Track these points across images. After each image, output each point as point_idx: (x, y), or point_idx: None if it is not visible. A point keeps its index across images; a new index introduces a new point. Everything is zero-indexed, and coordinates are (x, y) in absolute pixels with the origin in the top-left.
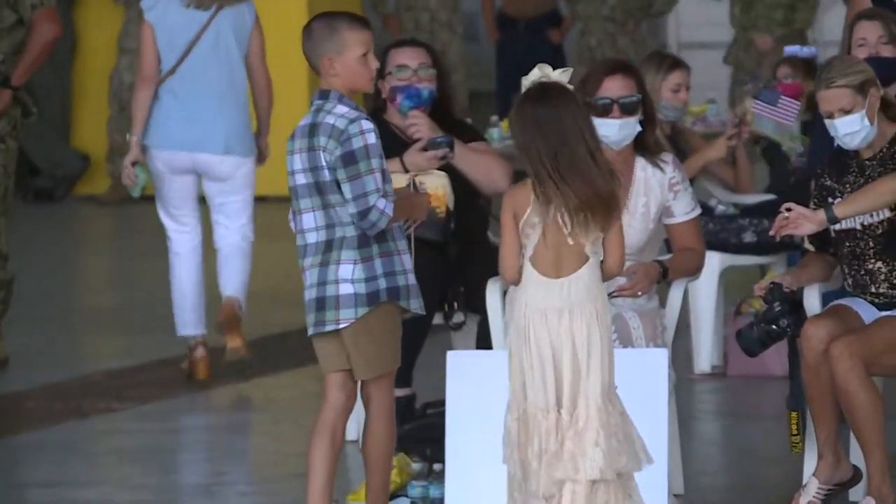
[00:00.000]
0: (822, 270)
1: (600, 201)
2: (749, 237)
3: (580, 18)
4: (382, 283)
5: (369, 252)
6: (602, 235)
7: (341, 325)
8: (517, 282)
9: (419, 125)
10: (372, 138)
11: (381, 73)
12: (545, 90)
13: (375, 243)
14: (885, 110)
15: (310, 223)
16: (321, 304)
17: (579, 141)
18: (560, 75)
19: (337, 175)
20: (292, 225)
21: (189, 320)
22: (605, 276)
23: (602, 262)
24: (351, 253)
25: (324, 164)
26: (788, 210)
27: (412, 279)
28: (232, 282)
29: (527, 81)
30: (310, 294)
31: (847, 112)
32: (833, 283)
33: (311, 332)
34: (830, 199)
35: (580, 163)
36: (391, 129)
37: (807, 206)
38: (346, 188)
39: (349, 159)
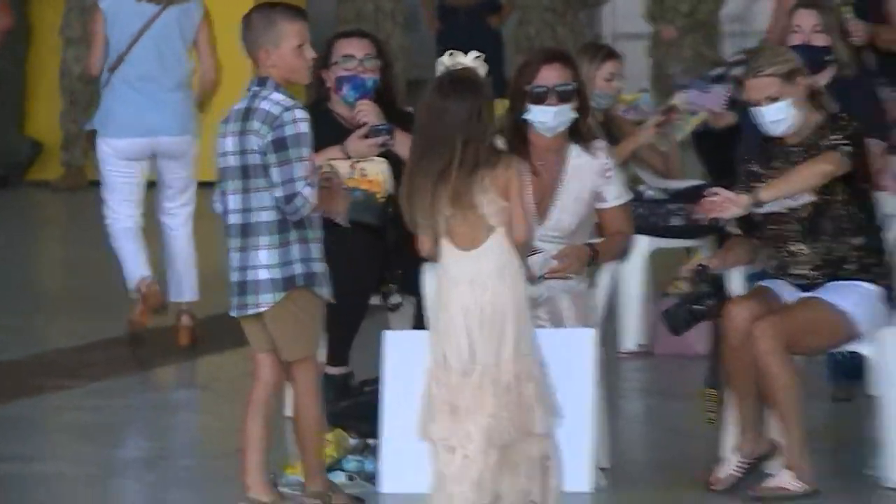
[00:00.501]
0: (747, 253)
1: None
2: (677, 221)
3: (519, 7)
4: (299, 269)
5: (287, 237)
6: (503, 207)
7: (261, 309)
8: (432, 256)
9: (366, 112)
10: (304, 127)
11: (327, 63)
12: (455, 81)
13: (294, 229)
14: (812, 98)
15: (232, 205)
16: (242, 288)
17: (466, 131)
18: (473, 61)
19: (267, 159)
20: (217, 206)
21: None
22: (517, 247)
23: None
24: (268, 238)
25: (255, 147)
26: (715, 194)
27: (324, 267)
28: (183, 282)
29: (440, 66)
30: (233, 277)
31: (774, 100)
32: (757, 265)
33: (234, 314)
34: (756, 185)
35: (447, 150)
36: (335, 117)
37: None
38: (274, 172)
39: (280, 145)
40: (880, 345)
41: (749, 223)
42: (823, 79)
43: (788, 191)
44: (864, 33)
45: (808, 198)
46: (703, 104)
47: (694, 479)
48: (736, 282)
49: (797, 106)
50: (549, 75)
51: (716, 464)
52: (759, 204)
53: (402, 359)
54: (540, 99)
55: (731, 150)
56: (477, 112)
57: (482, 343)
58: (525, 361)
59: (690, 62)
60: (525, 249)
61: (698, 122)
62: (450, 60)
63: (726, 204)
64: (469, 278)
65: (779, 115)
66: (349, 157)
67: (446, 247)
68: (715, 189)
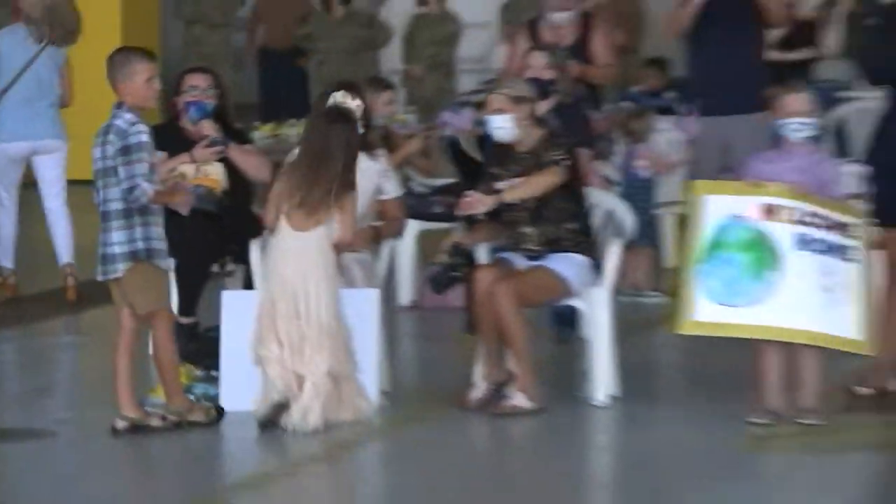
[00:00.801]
0: (490, 233)
1: (320, 195)
2: (438, 209)
3: (319, 52)
4: (141, 245)
5: (132, 222)
6: (332, 213)
7: (117, 275)
8: (272, 228)
9: (209, 129)
10: (145, 138)
11: (178, 91)
12: (337, 112)
13: (137, 216)
14: (537, 119)
15: (99, 197)
16: (103, 259)
17: (339, 153)
18: (352, 102)
19: (117, 162)
20: (95, 198)
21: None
22: (337, 244)
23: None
24: (118, 222)
25: (110, 154)
26: (469, 196)
27: (163, 245)
28: (63, 247)
29: (331, 100)
30: (98, 251)
31: (500, 112)
32: (498, 241)
33: (99, 278)
34: (495, 182)
35: (328, 168)
36: (184, 132)
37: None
38: (121, 171)
39: (126, 151)
40: (588, 300)
41: (492, 211)
42: (548, 104)
43: (524, 194)
44: (577, 70)
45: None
46: (456, 124)
47: (453, 400)
48: (482, 254)
49: (519, 123)
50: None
51: (468, 389)
52: (502, 202)
53: (236, 311)
54: None
55: (476, 157)
56: (353, 138)
57: (306, 301)
58: (339, 316)
59: (433, 94)
60: (343, 248)
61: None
62: (340, 97)
63: (476, 203)
64: (295, 252)
65: (502, 125)
66: (195, 162)
67: (284, 226)
68: (468, 192)
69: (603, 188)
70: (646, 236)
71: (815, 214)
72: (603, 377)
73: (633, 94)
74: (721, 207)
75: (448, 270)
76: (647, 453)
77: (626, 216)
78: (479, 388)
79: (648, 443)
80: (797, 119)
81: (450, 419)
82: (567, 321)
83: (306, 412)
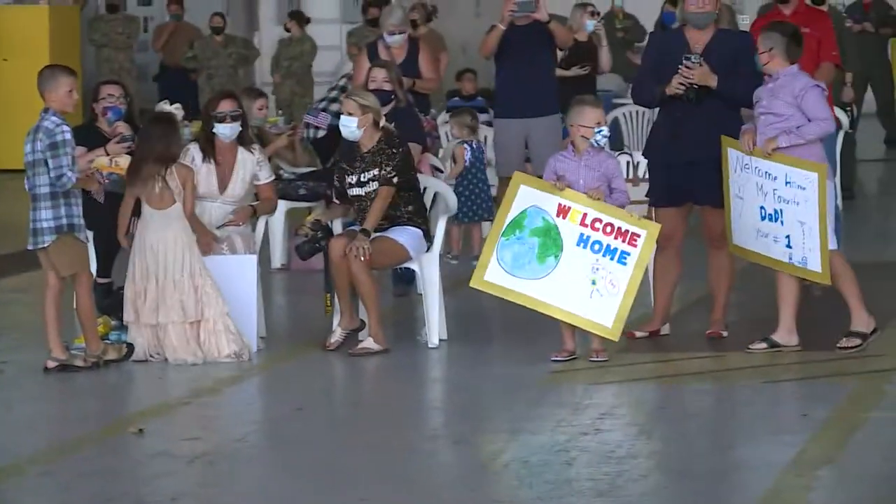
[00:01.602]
0: (343, 211)
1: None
2: (302, 191)
3: (208, 68)
4: (65, 221)
5: (58, 203)
6: (181, 191)
7: (44, 245)
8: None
9: (123, 128)
10: (68, 136)
11: (96, 99)
12: (160, 116)
13: (62, 198)
14: (375, 126)
15: (30, 183)
16: (34, 232)
17: (157, 144)
18: (174, 109)
19: (46, 155)
20: (26, 184)
21: None
22: (187, 215)
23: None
24: (47, 203)
25: (39, 148)
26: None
27: (82, 221)
28: None
29: (160, 107)
30: (29, 226)
31: (351, 115)
32: (350, 217)
33: (30, 248)
34: (346, 178)
35: (154, 154)
36: (101, 132)
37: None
38: (50, 163)
39: (53, 146)
40: (421, 263)
41: (344, 196)
42: (387, 109)
43: (376, 221)
44: (410, 83)
45: (374, 185)
46: (316, 122)
47: (317, 343)
48: (337, 226)
49: (362, 126)
50: (225, 105)
51: (329, 334)
52: (366, 232)
53: None
54: (221, 120)
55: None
56: (172, 132)
57: (165, 264)
58: (196, 273)
59: (287, 97)
60: (193, 219)
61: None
62: (164, 106)
63: (356, 247)
64: (156, 227)
65: (349, 125)
66: (108, 155)
67: (146, 207)
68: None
69: (432, 175)
70: (485, 211)
71: (601, 221)
72: (435, 324)
73: (454, 101)
74: (529, 197)
75: (311, 241)
76: (469, 384)
77: (450, 196)
78: (338, 333)
79: (471, 376)
80: (601, 128)
81: (314, 358)
82: (406, 280)
83: (175, 350)
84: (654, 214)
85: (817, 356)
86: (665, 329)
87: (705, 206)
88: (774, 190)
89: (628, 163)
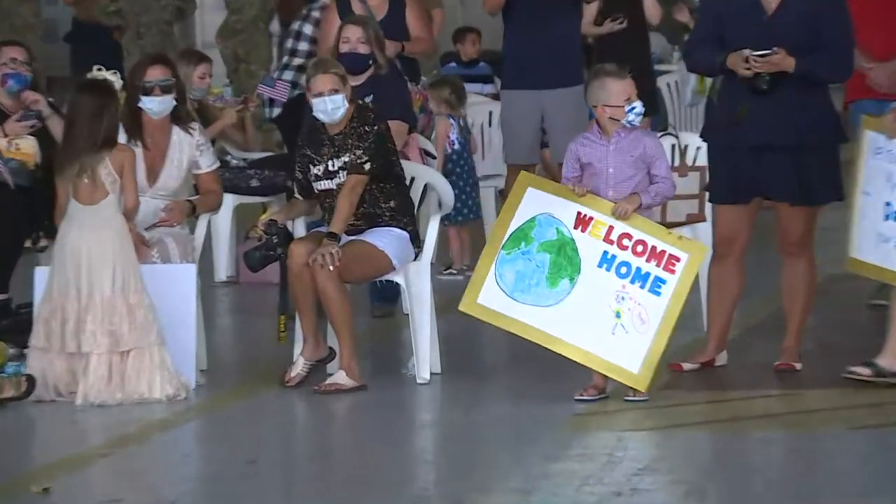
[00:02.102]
0: (307, 208)
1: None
2: (255, 183)
3: (139, 24)
4: None
5: None
6: (117, 180)
7: None
8: (63, 208)
9: (32, 99)
10: None
11: None
12: (93, 85)
13: None
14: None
15: None
16: None
17: (96, 121)
18: (110, 75)
19: None
20: None
21: None
22: (126, 211)
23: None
24: None
25: None
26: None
27: None
28: None
29: (94, 74)
30: None
31: (336, 92)
32: (315, 216)
33: None
34: (311, 166)
35: (83, 135)
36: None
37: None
38: None
39: None
40: (406, 275)
41: (308, 190)
42: (365, 77)
43: (346, 221)
44: (394, 47)
45: (342, 177)
46: (272, 94)
47: (272, 377)
48: (300, 227)
49: (347, 98)
50: (154, 73)
51: (289, 366)
52: (334, 236)
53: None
54: (149, 91)
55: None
56: (108, 106)
57: (89, 275)
58: (131, 289)
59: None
60: (132, 213)
61: None
62: (96, 72)
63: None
64: (84, 227)
65: (337, 104)
66: (6, 136)
67: (73, 202)
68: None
69: (422, 162)
70: (470, 211)
71: (631, 237)
72: (425, 354)
73: (450, 67)
74: (539, 202)
75: (265, 246)
76: (468, 430)
77: (446, 190)
78: (299, 365)
79: (471, 420)
80: (633, 104)
81: (269, 398)
82: (388, 296)
83: (93, 388)
84: (713, 213)
85: None
86: (721, 359)
87: (781, 204)
88: None
89: (674, 146)
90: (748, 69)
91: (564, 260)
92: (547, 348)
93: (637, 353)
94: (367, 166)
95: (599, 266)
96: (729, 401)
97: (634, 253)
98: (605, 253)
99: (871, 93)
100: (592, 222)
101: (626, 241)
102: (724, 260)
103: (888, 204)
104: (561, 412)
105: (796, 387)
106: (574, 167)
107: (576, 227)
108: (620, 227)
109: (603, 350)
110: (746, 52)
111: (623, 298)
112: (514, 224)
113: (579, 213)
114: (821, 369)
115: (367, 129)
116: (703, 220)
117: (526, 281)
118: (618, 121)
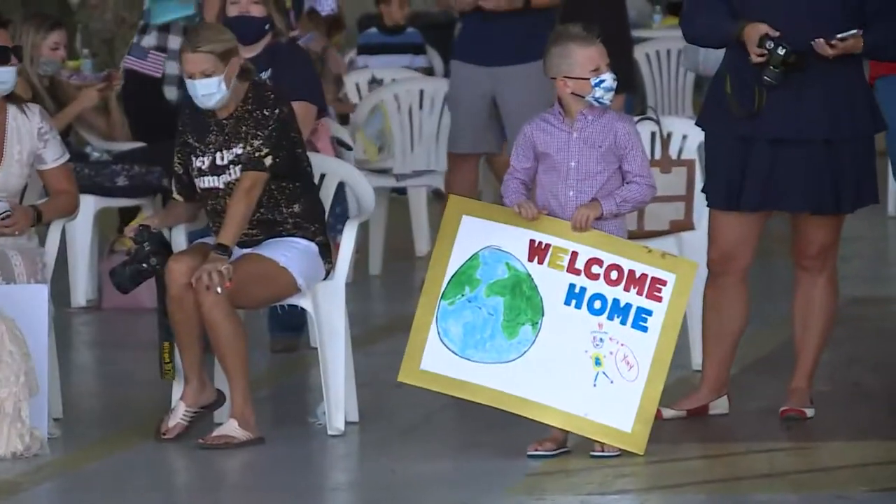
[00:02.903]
0: (187, 213)
1: None
2: (122, 181)
3: None
4: None
5: None
6: None
7: None
8: None
9: None
10: None
11: None
12: None
13: None
14: (241, 74)
15: None
16: None
17: None
18: None
19: None
20: None
21: None
22: None
23: None
24: None
25: None
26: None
27: None
28: None
29: None
30: None
31: (208, 76)
32: (198, 223)
33: None
34: (193, 158)
35: None
36: None
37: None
38: None
39: None
40: (317, 299)
41: (190, 189)
42: (260, 46)
43: (239, 230)
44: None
45: (235, 174)
46: (142, 69)
47: (145, 428)
48: (179, 238)
49: (228, 82)
50: None
51: (167, 413)
52: (224, 249)
53: None
54: None
55: (161, 116)
56: None
57: None
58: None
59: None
60: None
61: None
62: None
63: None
64: None
65: (210, 90)
66: None
67: None
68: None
69: (334, 154)
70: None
71: (600, 262)
72: (339, 399)
73: (370, 35)
74: (479, 234)
75: (135, 263)
76: (393, 494)
77: (364, 189)
78: (179, 411)
79: (396, 481)
80: (601, 77)
81: (141, 453)
82: (292, 325)
83: None
84: (709, 221)
85: None
86: (718, 406)
87: (801, 212)
88: None
89: (654, 134)
90: (762, 55)
91: (522, 301)
92: (517, 415)
93: (628, 407)
94: (268, 161)
95: (567, 303)
96: (724, 456)
97: (608, 282)
98: (572, 286)
99: None
100: (550, 250)
101: (595, 269)
102: (722, 281)
103: None
104: (511, 470)
105: (808, 438)
106: (527, 155)
107: (530, 259)
108: (587, 252)
109: (584, 408)
110: (819, 40)
111: (602, 340)
112: (453, 265)
113: (532, 241)
114: (838, 416)
115: (265, 113)
116: (692, 228)
117: (477, 334)
118: (582, 97)
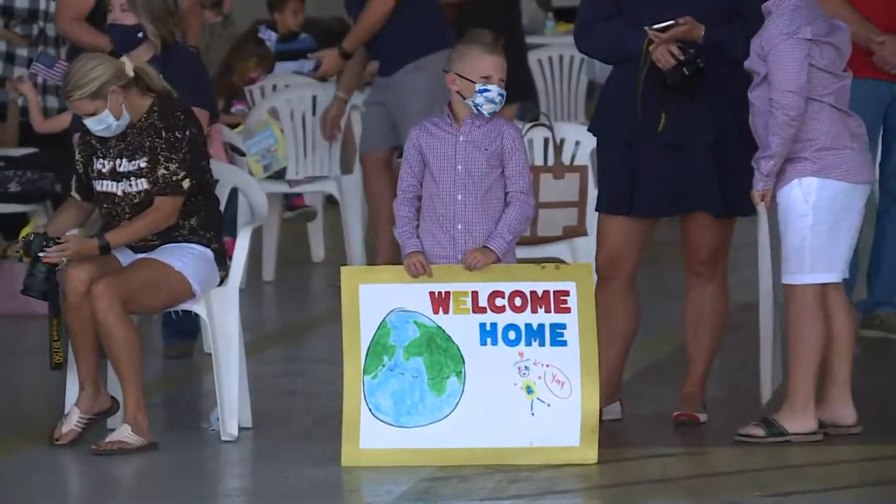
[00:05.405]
0: (79, 216)
1: None
2: (14, 187)
3: None
4: None
5: None
6: None
7: None
8: None
9: None
10: None
11: None
12: None
13: None
14: (137, 84)
15: None
16: None
17: None
18: None
19: None
20: None
21: None
22: None
23: None
24: None
25: None
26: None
27: None
28: None
29: None
30: None
31: (93, 115)
32: (92, 229)
33: None
34: (94, 158)
35: None
36: None
37: None
38: None
39: None
40: (211, 305)
41: (88, 190)
42: (143, 55)
43: (131, 241)
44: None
45: (143, 185)
46: (49, 77)
47: (36, 434)
48: None
49: (116, 112)
50: None
51: (59, 420)
52: (106, 247)
53: None
54: None
55: None
56: None
57: None
58: None
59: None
60: None
61: None
62: None
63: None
64: None
65: (102, 125)
66: None
67: None
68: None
69: (227, 159)
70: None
71: (503, 293)
72: (233, 404)
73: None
74: (380, 300)
75: (30, 268)
76: (291, 501)
77: (257, 195)
78: (73, 418)
79: (291, 487)
80: (488, 86)
81: (33, 459)
82: (185, 331)
83: None
84: (598, 226)
85: (872, 451)
86: (611, 412)
87: (694, 214)
88: None
89: (547, 140)
90: (677, 59)
91: (440, 356)
92: (467, 466)
93: (570, 423)
94: (186, 184)
95: (483, 343)
96: (617, 461)
97: (514, 309)
98: (483, 325)
99: (876, 72)
100: (451, 297)
101: (499, 301)
102: (610, 285)
103: None
104: (406, 478)
105: (700, 444)
106: (415, 162)
107: (436, 311)
108: (486, 288)
109: (529, 438)
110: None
111: (527, 368)
112: (365, 337)
113: (432, 293)
114: (730, 421)
115: (177, 135)
116: (585, 233)
117: (407, 400)
118: (463, 98)
